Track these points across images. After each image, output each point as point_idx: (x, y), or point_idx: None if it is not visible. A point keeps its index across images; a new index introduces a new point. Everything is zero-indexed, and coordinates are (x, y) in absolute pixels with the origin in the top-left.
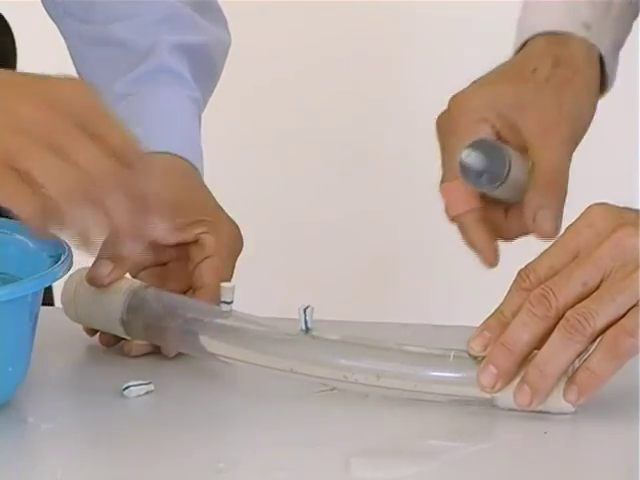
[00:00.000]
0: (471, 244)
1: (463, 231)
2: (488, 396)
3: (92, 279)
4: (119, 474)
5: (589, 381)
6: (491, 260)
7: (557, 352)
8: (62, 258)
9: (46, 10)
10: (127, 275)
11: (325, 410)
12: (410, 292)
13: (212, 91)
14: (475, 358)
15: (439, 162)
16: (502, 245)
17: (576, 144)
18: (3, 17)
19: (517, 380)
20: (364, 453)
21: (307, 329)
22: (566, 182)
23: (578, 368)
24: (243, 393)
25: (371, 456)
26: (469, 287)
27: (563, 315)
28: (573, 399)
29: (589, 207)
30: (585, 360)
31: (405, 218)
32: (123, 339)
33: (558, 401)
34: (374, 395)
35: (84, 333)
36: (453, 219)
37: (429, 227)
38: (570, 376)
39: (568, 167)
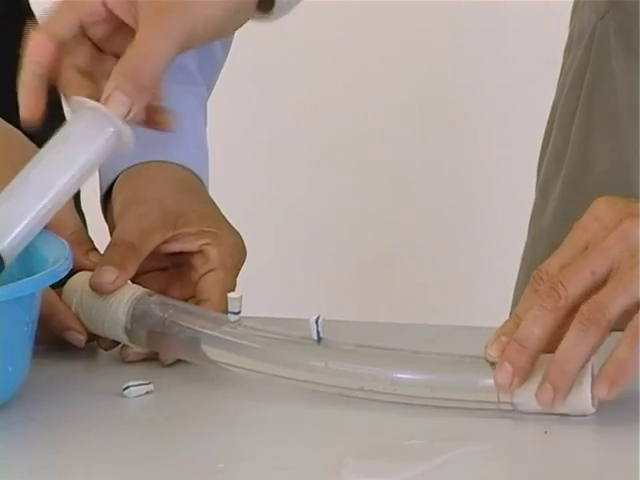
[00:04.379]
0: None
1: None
2: (508, 401)
3: (97, 286)
4: (119, 474)
5: (618, 371)
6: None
7: (575, 347)
8: (62, 259)
9: None
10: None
11: (325, 410)
12: (411, 292)
13: (215, 82)
14: (493, 364)
15: (441, 159)
16: (502, 246)
17: (195, 39)
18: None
19: (535, 383)
20: (362, 454)
21: (319, 339)
22: (157, 68)
23: (606, 362)
24: (243, 393)
25: (368, 457)
26: (469, 287)
27: (573, 306)
28: (604, 393)
29: (594, 202)
30: (612, 353)
31: (405, 218)
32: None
33: (579, 403)
34: (375, 399)
35: None
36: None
37: (430, 227)
38: (596, 374)
39: (165, 53)
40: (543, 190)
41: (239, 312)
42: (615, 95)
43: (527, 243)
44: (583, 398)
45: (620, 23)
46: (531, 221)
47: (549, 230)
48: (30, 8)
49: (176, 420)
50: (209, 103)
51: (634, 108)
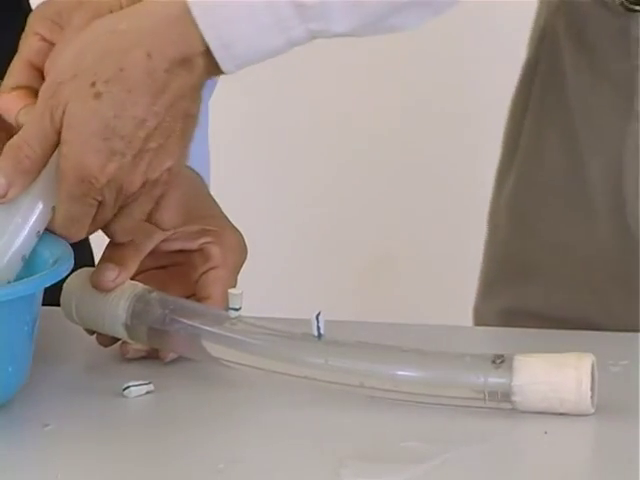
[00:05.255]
0: None
1: None
2: (507, 400)
3: (97, 283)
4: (119, 474)
5: None
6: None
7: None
8: (63, 259)
9: None
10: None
11: (325, 411)
12: (410, 292)
13: (216, 82)
14: (494, 362)
15: (442, 160)
16: None
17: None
18: None
19: (535, 384)
20: (362, 455)
21: (320, 335)
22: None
23: None
24: (243, 393)
25: (368, 458)
26: (470, 288)
27: None
28: None
29: None
30: None
31: (407, 218)
32: (120, 339)
33: (578, 403)
34: (374, 396)
35: (84, 333)
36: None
37: (429, 227)
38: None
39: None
40: (498, 183)
41: (240, 308)
42: (566, 90)
43: (486, 241)
44: (582, 398)
45: (570, 19)
46: (489, 216)
47: (504, 226)
48: (30, 7)
49: (176, 420)
50: (210, 103)
51: (584, 103)
